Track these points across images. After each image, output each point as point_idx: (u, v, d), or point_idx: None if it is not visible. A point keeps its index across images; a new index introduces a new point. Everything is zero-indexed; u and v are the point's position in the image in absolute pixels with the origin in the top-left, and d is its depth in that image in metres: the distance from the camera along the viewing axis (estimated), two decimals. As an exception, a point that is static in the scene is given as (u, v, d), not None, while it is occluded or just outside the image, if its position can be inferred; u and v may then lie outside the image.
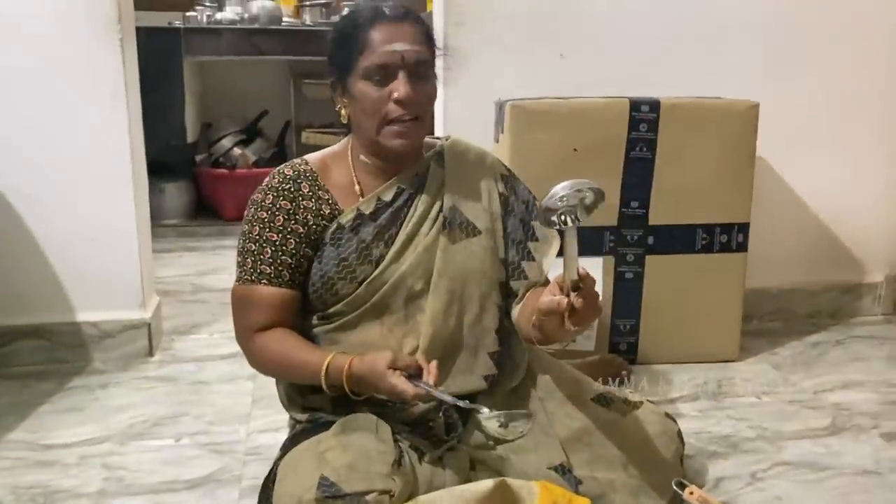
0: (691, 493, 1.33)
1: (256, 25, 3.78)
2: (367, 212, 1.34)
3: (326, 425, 1.33)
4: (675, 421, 1.52)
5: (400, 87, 1.28)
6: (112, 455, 1.67)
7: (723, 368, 2.16)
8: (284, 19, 3.95)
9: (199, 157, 3.91)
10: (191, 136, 3.80)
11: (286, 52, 3.85)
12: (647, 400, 1.52)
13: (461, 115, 2.21)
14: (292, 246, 1.32)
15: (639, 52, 2.30)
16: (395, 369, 1.21)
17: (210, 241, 3.69)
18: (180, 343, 2.34)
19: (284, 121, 4.18)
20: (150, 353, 2.21)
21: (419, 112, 1.31)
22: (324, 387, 1.25)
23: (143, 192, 2.28)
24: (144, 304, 2.22)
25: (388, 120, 1.30)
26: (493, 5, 2.23)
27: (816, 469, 1.63)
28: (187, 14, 3.77)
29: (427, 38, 1.33)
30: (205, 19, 3.78)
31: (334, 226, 1.33)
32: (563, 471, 1.35)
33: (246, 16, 3.82)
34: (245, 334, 1.35)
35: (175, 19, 3.74)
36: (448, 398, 1.22)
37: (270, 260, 1.31)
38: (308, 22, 4.04)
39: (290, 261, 1.32)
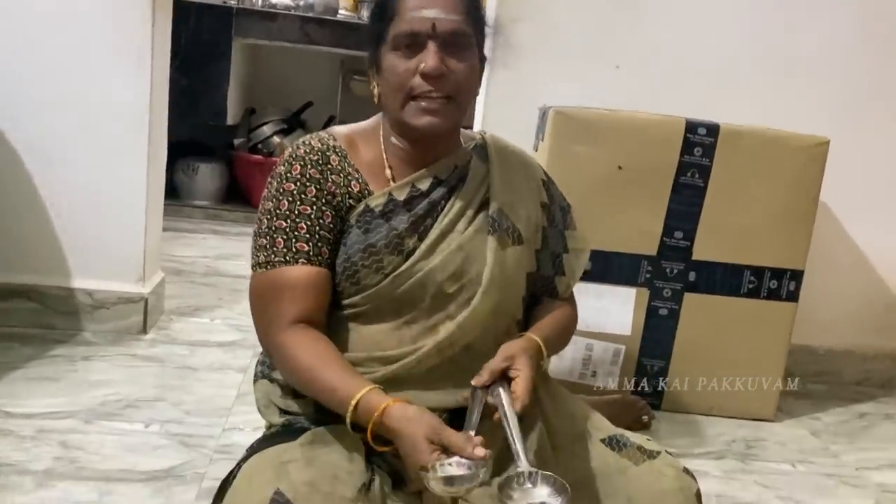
0: (704, 567, 1.13)
1: (311, 14, 3.69)
2: (401, 199, 1.20)
3: (299, 432, 1.17)
4: (694, 479, 1.31)
5: (428, 59, 1.12)
6: (72, 433, 1.53)
7: (756, 427, 1.95)
8: (340, 12, 3.86)
9: (237, 142, 3.83)
10: (231, 119, 3.71)
11: (338, 44, 3.75)
12: (666, 451, 1.32)
13: (501, 117, 2.06)
14: (329, 220, 1.16)
15: (701, 72, 2.13)
16: (433, 443, 1.00)
17: (236, 226, 3.61)
18: (179, 324, 2.22)
19: (329, 115, 4.08)
20: (144, 330, 2.09)
21: (451, 90, 1.16)
22: (347, 423, 1.07)
23: (159, 164, 2.18)
24: (144, 279, 2.11)
25: (412, 95, 1.15)
26: (553, 4, 2.07)
27: (853, 557, 1.43)
28: (243, -5, 3.71)
29: (471, 9, 1.18)
30: (259, 2, 3.71)
31: (362, 206, 1.18)
32: (559, 518, 1.17)
33: (302, 3, 3.74)
34: (273, 329, 1.14)
35: (230, -1, 3.68)
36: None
37: (307, 236, 1.14)
38: (365, 17, 3.94)
39: (328, 236, 1.16)
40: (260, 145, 3.80)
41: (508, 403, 1.07)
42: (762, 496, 1.61)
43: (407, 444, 1.01)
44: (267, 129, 3.82)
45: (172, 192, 3.76)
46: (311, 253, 1.14)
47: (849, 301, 2.30)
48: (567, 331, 1.36)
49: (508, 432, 1.04)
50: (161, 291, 2.24)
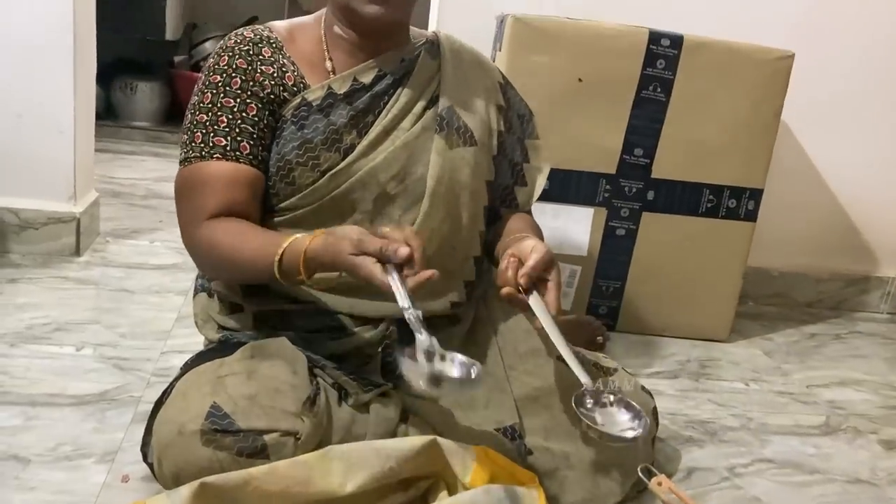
0: (659, 483, 1.11)
1: (255, -79, 3.46)
2: (341, 92, 1.12)
3: (237, 348, 1.10)
4: (651, 395, 1.30)
5: None
6: (-4, 356, 1.44)
7: (710, 348, 1.95)
8: (287, -80, 3.63)
9: (177, 59, 3.63)
10: (171, 34, 3.50)
11: (284, -45, 3.55)
12: (622, 368, 1.29)
13: (457, 25, 1.94)
14: (254, 112, 1.08)
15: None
16: (359, 254, 0.93)
17: (177, 148, 3.42)
18: (115, 246, 2.10)
19: (275, 33, 3.88)
20: (77, 252, 1.97)
21: None
22: (276, 274, 0.98)
23: (88, 70, 2.01)
24: (76, 198, 1.97)
25: None
26: None
27: (803, 471, 1.42)
28: None
29: None
30: None
31: (298, 100, 1.11)
32: (513, 434, 1.13)
33: None
34: (192, 224, 1.07)
35: None
36: (410, 311, 0.91)
37: (227, 129, 1.06)
38: (312, -73, 3.72)
39: (251, 129, 1.07)
40: (202, 62, 3.61)
41: (546, 312, 1.06)
42: (716, 413, 1.60)
43: (334, 255, 0.95)
44: (209, 46, 3.62)
45: (110, 112, 3.57)
46: (227, 147, 1.06)
47: (804, 223, 2.29)
48: None
49: (558, 346, 1.06)
50: (95, 212, 2.11)
